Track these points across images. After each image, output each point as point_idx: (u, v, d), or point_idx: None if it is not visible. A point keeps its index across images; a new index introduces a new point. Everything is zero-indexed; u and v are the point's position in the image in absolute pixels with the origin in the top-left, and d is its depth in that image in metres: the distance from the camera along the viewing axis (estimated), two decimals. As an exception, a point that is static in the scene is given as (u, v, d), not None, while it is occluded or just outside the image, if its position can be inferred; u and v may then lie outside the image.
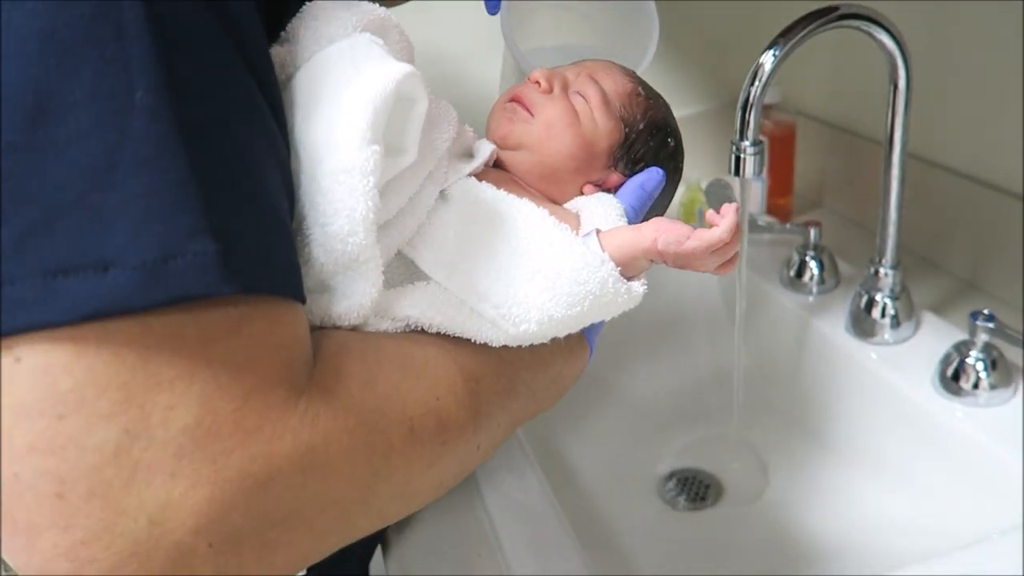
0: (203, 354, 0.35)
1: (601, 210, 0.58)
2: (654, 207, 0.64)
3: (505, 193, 0.54)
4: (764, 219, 1.02)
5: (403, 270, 0.51)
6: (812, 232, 0.91)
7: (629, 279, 0.52)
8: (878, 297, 0.81)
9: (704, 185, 1.09)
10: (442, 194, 0.54)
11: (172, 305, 0.34)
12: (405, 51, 0.55)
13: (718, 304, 1.01)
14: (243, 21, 0.40)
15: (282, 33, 0.49)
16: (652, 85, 0.68)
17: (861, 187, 1.07)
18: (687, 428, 0.93)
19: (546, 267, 0.49)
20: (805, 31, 0.68)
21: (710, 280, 1.04)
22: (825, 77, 1.11)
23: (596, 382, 0.94)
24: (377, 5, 0.51)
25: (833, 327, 0.86)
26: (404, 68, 0.43)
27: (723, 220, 0.52)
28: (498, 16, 0.71)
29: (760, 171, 0.71)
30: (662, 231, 0.52)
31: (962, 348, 0.73)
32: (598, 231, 0.54)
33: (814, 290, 0.91)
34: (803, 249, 0.92)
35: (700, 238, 0.51)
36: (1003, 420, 0.71)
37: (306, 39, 0.48)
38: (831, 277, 0.92)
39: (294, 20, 0.49)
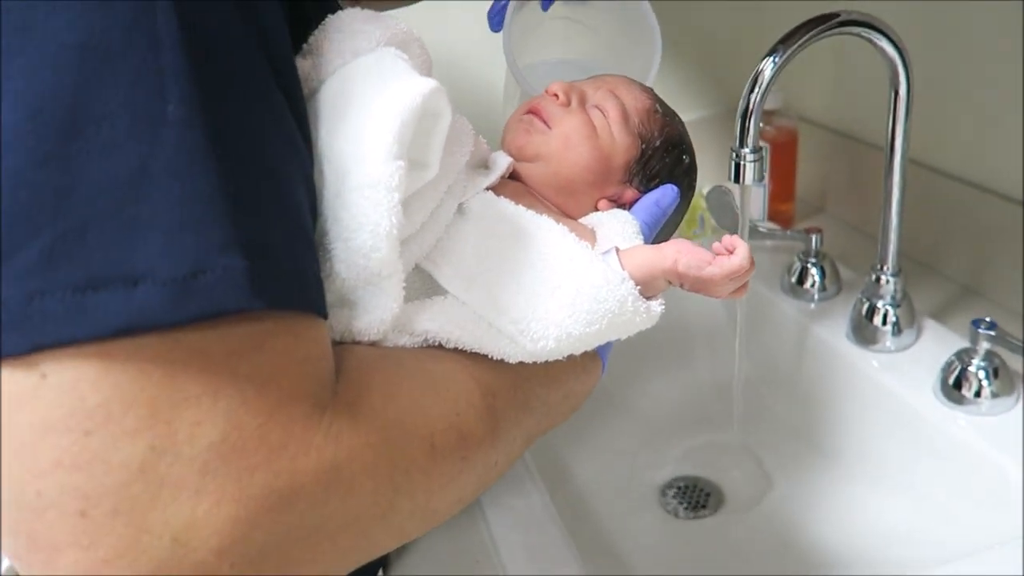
0: (229, 369, 0.34)
1: (618, 227, 0.58)
2: (667, 223, 0.64)
3: (524, 208, 0.54)
4: (765, 225, 1.02)
5: (421, 284, 0.51)
6: (813, 239, 0.90)
7: (647, 299, 0.52)
8: (879, 304, 0.81)
9: (705, 191, 1.09)
10: (460, 208, 0.54)
11: (200, 320, 0.33)
12: (425, 65, 0.55)
13: (719, 310, 1.01)
14: (272, 32, 0.39)
15: (304, 45, 0.49)
16: (654, 91, 0.68)
17: (863, 193, 1.07)
18: (688, 435, 0.93)
19: (566, 283, 0.49)
20: (805, 38, 0.68)
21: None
22: (827, 82, 1.10)
23: (597, 390, 0.94)
24: (400, 21, 0.51)
25: (834, 334, 0.85)
26: (430, 83, 0.43)
27: (738, 247, 0.52)
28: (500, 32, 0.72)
29: (760, 178, 0.70)
30: (683, 253, 0.51)
31: (963, 356, 0.73)
32: (617, 249, 0.53)
33: (815, 297, 0.91)
34: (804, 256, 0.92)
35: (720, 265, 0.51)
36: (1005, 429, 0.70)
37: (330, 52, 0.47)
38: (832, 284, 0.91)
39: (317, 33, 0.49)
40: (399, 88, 0.43)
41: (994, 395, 0.71)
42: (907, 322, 0.81)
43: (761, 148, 0.70)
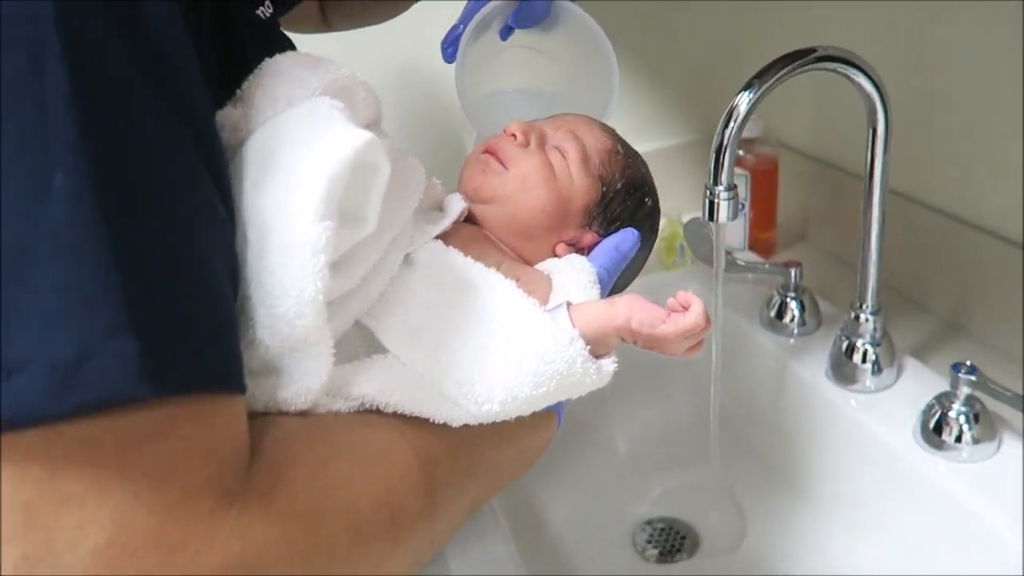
0: (120, 464, 0.31)
1: (574, 275, 0.56)
2: (629, 267, 0.62)
3: (472, 261, 0.52)
4: (744, 257, 1.00)
5: (361, 342, 0.48)
6: (793, 273, 0.88)
7: (599, 356, 0.50)
8: (859, 343, 0.79)
9: (684, 220, 1.07)
10: (407, 258, 0.52)
11: (86, 410, 0.31)
12: (371, 109, 0.53)
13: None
14: (185, 82, 0.37)
15: (237, 91, 0.46)
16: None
17: (845, 221, 1.05)
18: (664, 474, 0.91)
19: (513, 344, 0.47)
20: (781, 73, 0.65)
21: (690, 318, 1.02)
22: (807, 109, 1.09)
23: (569, 424, 0.91)
24: (342, 66, 0.48)
25: (813, 372, 0.83)
26: (364, 136, 0.40)
27: (694, 305, 0.49)
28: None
29: (735, 216, 0.68)
30: (636, 310, 0.49)
31: (944, 400, 0.71)
32: (569, 304, 0.51)
33: (795, 331, 0.89)
34: (784, 290, 0.89)
35: (675, 323, 0.49)
36: (985, 476, 0.68)
37: (262, 101, 0.45)
38: (812, 318, 0.89)
39: (251, 79, 0.46)
40: (329, 142, 0.40)
41: (975, 440, 0.69)
42: (887, 361, 0.79)
43: (735, 186, 0.68)
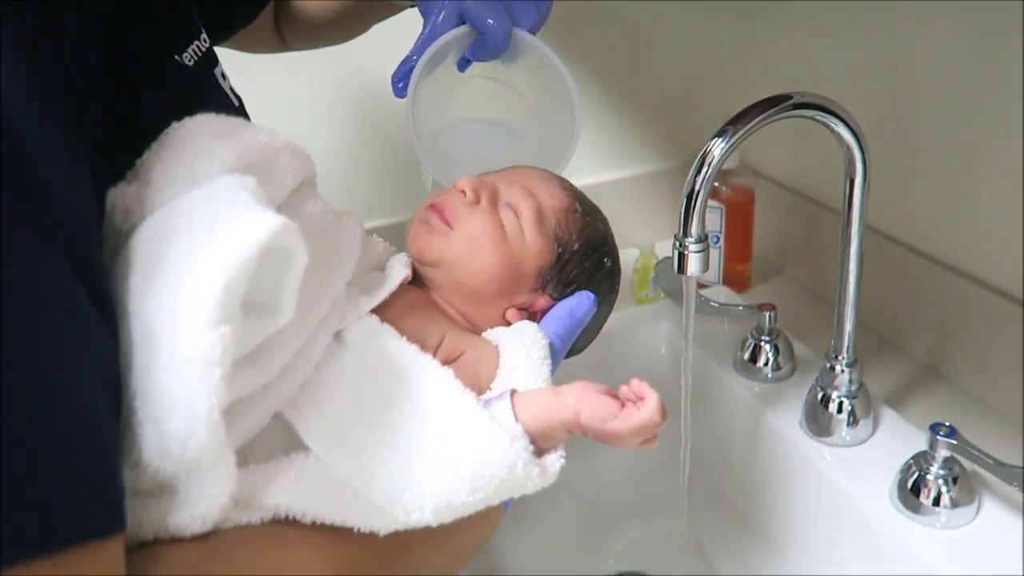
0: None
1: (523, 351, 0.51)
2: (587, 329, 0.58)
3: (407, 345, 0.48)
4: (718, 293, 0.97)
5: (281, 435, 0.44)
6: (767, 316, 0.85)
7: (544, 451, 0.45)
8: (834, 395, 0.76)
9: (657, 252, 1.03)
10: (338, 336, 0.47)
11: None
12: (299, 172, 0.48)
13: (670, 384, 0.95)
14: (52, 183, 0.32)
15: (137, 162, 0.41)
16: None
17: (822, 256, 1.02)
18: (632, 523, 0.87)
19: (447, 446, 0.43)
20: (756, 120, 0.62)
21: (662, 358, 0.98)
22: (785, 140, 1.06)
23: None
24: (261, 129, 0.44)
25: (787, 421, 0.80)
26: (273, 223, 0.35)
27: (648, 399, 0.45)
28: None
29: (705, 269, 0.65)
30: (586, 404, 0.45)
31: (922, 461, 0.68)
32: (513, 392, 0.47)
33: (768, 376, 0.86)
34: (757, 332, 0.86)
35: (627, 419, 0.45)
36: (963, 543, 0.65)
37: (160, 180, 0.40)
38: (787, 362, 0.86)
39: (150, 151, 0.41)
40: (231, 234, 0.35)
41: (953, 503, 0.66)
42: (863, 412, 0.76)
43: (707, 236, 0.64)
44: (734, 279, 1.05)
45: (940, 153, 0.81)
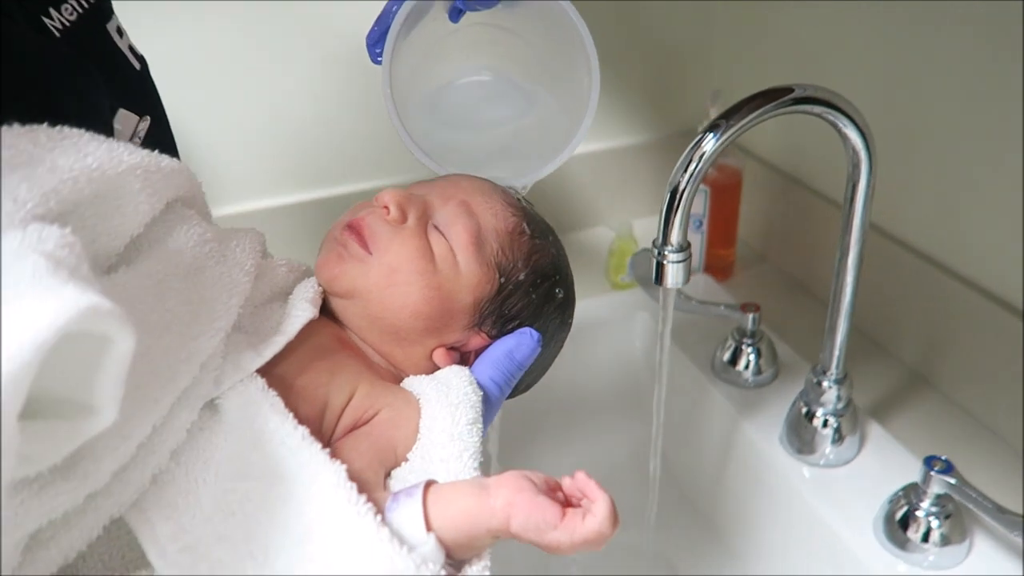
0: None
1: (448, 413, 0.43)
2: (530, 371, 0.50)
3: (292, 427, 0.38)
4: (697, 289, 0.90)
5: (124, 545, 0.36)
6: (751, 318, 0.78)
7: (463, 562, 0.38)
8: (819, 412, 0.69)
9: (636, 240, 0.96)
10: (211, 406, 0.39)
11: None
12: (160, 196, 0.40)
13: (644, 385, 0.89)
14: None
15: None
16: (525, 202, 0.52)
17: (810, 245, 0.95)
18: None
19: (331, 572, 0.35)
20: (752, 116, 0.54)
21: (635, 353, 0.91)
22: (779, 118, 0.97)
23: (487, 468, 0.82)
24: (97, 147, 0.35)
25: (766, 434, 0.74)
26: (68, 309, 0.27)
27: (598, 504, 0.38)
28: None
29: (686, 281, 0.57)
30: (519, 508, 0.37)
31: (912, 494, 0.62)
32: (427, 488, 0.38)
33: (749, 380, 0.79)
34: (739, 334, 0.80)
35: (571, 531, 0.37)
36: (952, 586, 0.60)
37: None
38: (769, 367, 0.80)
39: None
40: (6, 331, 0.26)
41: (943, 541, 0.61)
42: (849, 430, 0.70)
43: (689, 244, 0.57)
44: (716, 265, 0.98)
45: (943, 151, 0.74)
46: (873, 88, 0.79)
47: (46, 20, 0.40)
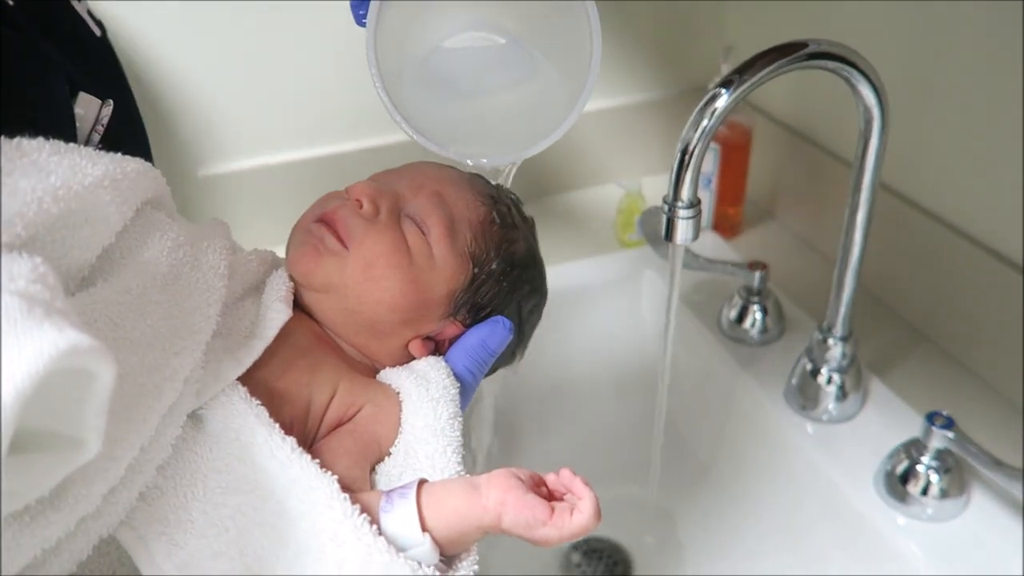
0: None
1: (429, 408, 0.44)
2: (502, 355, 0.51)
3: (279, 439, 0.39)
4: (704, 248, 0.90)
5: (113, 560, 0.36)
6: (757, 276, 0.79)
7: (452, 557, 0.39)
8: (823, 369, 0.70)
9: (645, 198, 0.96)
10: (194, 416, 0.39)
11: None
12: (129, 204, 0.39)
13: (647, 340, 0.90)
14: None
15: None
16: (499, 188, 0.51)
17: (818, 203, 0.95)
18: (601, 487, 0.83)
19: None
20: (765, 71, 0.54)
21: (641, 312, 0.92)
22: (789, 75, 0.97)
23: (499, 427, 0.83)
24: (60, 160, 0.34)
25: (770, 391, 0.75)
26: (46, 355, 0.26)
27: (584, 501, 0.39)
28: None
29: (696, 237, 0.58)
30: (509, 507, 0.38)
31: (912, 449, 0.63)
32: (420, 487, 0.39)
33: (755, 338, 0.80)
34: (746, 292, 0.80)
35: (559, 527, 0.38)
36: (948, 537, 0.61)
37: None
38: (775, 325, 0.80)
39: None
40: None
41: (942, 494, 0.62)
42: (853, 386, 0.71)
43: (699, 201, 0.57)
44: (724, 223, 0.99)
45: (953, 110, 0.73)
46: (885, 45, 0.78)
47: None
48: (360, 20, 0.54)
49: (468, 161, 0.54)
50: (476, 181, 0.52)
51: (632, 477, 0.82)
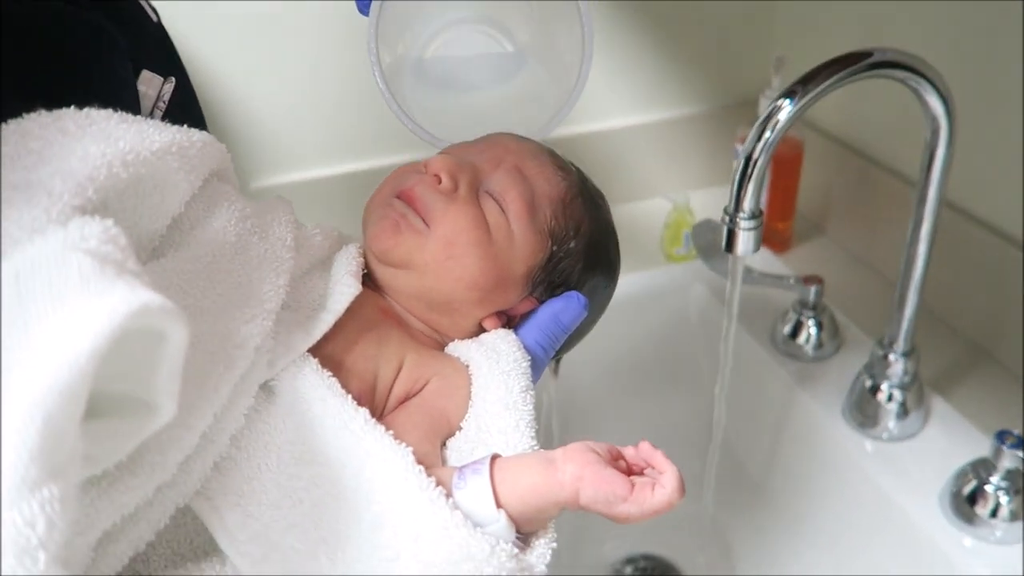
0: None
1: (500, 381, 0.43)
2: (574, 334, 0.50)
3: (353, 410, 0.38)
4: (756, 262, 0.89)
5: (190, 531, 0.36)
6: (812, 291, 0.77)
7: (529, 534, 0.38)
8: (884, 385, 0.69)
9: (693, 212, 0.95)
10: (266, 388, 0.39)
11: None
12: (198, 173, 0.39)
13: (700, 354, 0.89)
14: None
15: None
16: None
17: (870, 218, 0.93)
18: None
19: (405, 556, 0.34)
20: (829, 82, 0.53)
21: (691, 327, 0.91)
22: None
23: (544, 439, 0.82)
24: (127, 128, 0.34)
25: (828, 407, 0.73)
26: (119, 313, 0.26)
27: (667, 475, 0.38)
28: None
29: (757, 248, 0.57)
30: (587, 482, 0.37)
31: (981, 469, 0.61)
32: (493, 462, 0.38)
33: (810, 354, 0.79)
34: (800, 306, 0.79)
35: (640, 503, 0.37)
36: (1018, 561, 0.59)
37: None
38: (830, 340, 0.79)
39: None
40: (52, 340, 0.25)
41: (1012, 517, 0.60)
42: (915, 404, 0.69)
43: (761, 212, 0.56)
44: (773, 238, 0.97)
45: (1016, 121, 0.72)
46: (942, 55, 0.77)
47: None
48: (364, 10, 0.54)
49: None
50: (556, 155, 0.51)
51: (687, 492, 0.81)
